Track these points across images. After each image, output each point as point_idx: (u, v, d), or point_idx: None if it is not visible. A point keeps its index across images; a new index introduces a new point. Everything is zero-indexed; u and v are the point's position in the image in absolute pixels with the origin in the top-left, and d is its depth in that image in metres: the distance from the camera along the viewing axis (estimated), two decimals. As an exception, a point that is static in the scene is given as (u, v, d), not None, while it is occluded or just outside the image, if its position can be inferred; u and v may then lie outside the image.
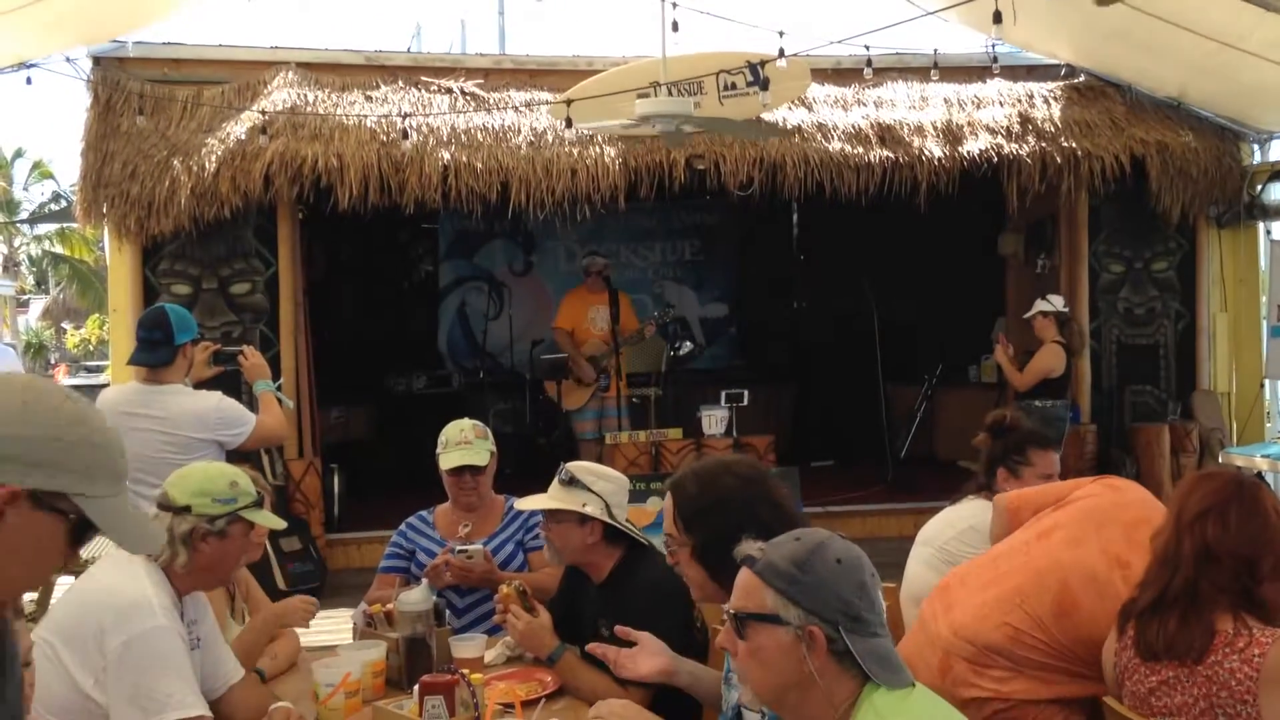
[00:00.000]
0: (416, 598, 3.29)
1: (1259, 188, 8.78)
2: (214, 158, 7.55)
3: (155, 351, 4.37)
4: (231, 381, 5.41)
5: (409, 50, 8.93)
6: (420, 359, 11.37)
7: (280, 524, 3.12)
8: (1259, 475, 6.76)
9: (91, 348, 32.07)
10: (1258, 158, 8.94)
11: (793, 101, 8.35)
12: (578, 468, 3.38)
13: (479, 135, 8.04)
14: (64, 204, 27.25)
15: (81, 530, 1.58)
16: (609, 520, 3.28)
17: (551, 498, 3.33)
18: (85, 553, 6.72)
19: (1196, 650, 2.47)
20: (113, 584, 2.74)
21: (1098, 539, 3.06)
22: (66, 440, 1.56)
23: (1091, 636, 2.91)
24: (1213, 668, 2.46)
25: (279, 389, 4.82)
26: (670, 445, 8.05)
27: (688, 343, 11.22)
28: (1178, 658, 2.50)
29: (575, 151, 7.98)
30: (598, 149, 8.00)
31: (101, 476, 1.58)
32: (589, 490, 3.29)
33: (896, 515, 8.45)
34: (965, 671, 3.03)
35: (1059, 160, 8.32)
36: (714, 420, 8.05)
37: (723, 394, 8.18)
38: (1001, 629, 3.01)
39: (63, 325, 34.70)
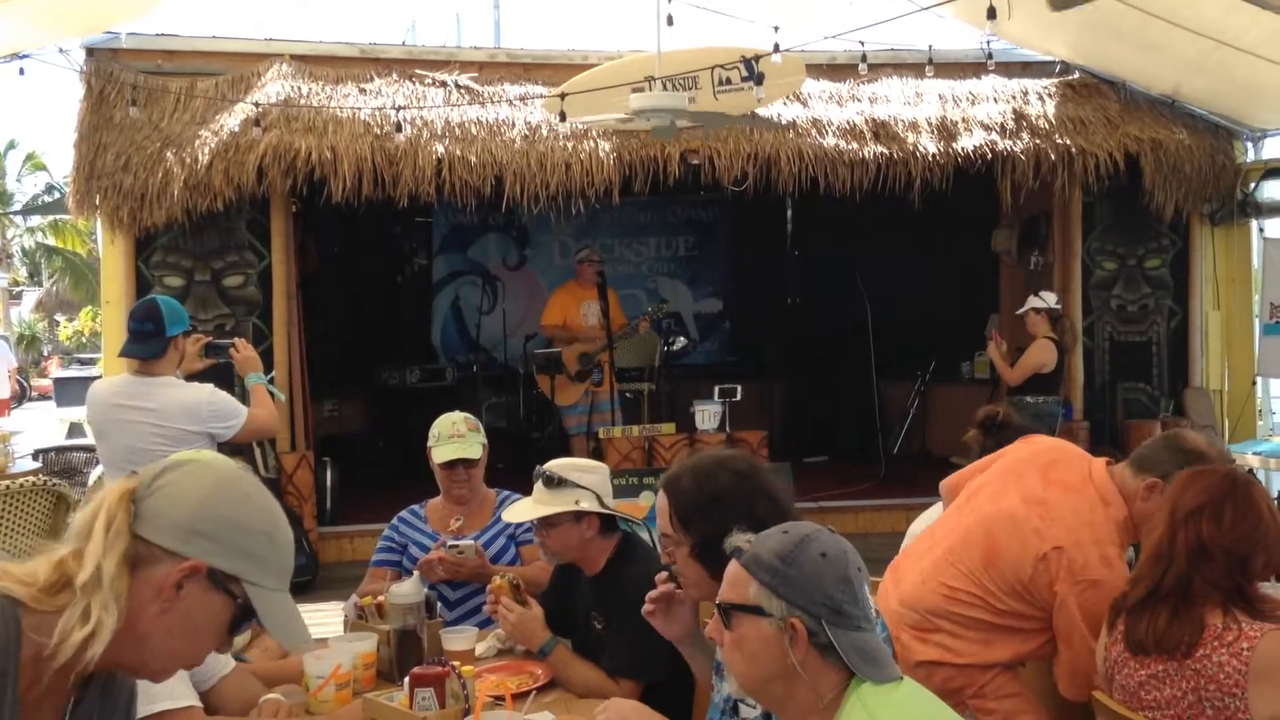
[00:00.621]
0: (408, 590, 3.29)
1: (1252, 185, 8.80)
2: (207, 150, 7.54)
3: (146, 343, 4.35)
4: (224, 374, 5.40)
5: (403, 43, 8.90)
6: (413, 353, 11.35)
7: None
8: (1250, 472, 6.77)
9: (84, 340, 32.08)
10: (1251, 155, 8.97)
11: (787, 97, 8.34)
12: (560, 467, 3.34)
13: (473, 129, 8.03)
14: (57, 195, 27.21)
15: (241, 618, 1.63)
16: (605, 510, 3.27)
17: (541, 503, 3.28)
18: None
19: (1186, 645, 2.49)
20: None
21: (1017, 487, 3.12)
22: (253, 530, 1.63)
23: (1019, 579, 2.97)
24: (1201, 661, 2.47)
25: (271, 382, 4.82)
26: (663, 440, 8.06)
27: (681, 338, 11.22)
28: (1167, 652, 2.52)
29: (569, 145, 7.98)
30: (592, 143, 7.99)
31: (274, 570, 1.65)
32: (578, 486, 3.27)
33: (889, 511, 8.47)
34: (911, 640, 3.09)
35: (1053, 157, 8.33)
36: (707, 415, 8.06)
37: (716, 389, 8.19)
38: (939, 590, 3.08)
39: (56, 317, 34.69)
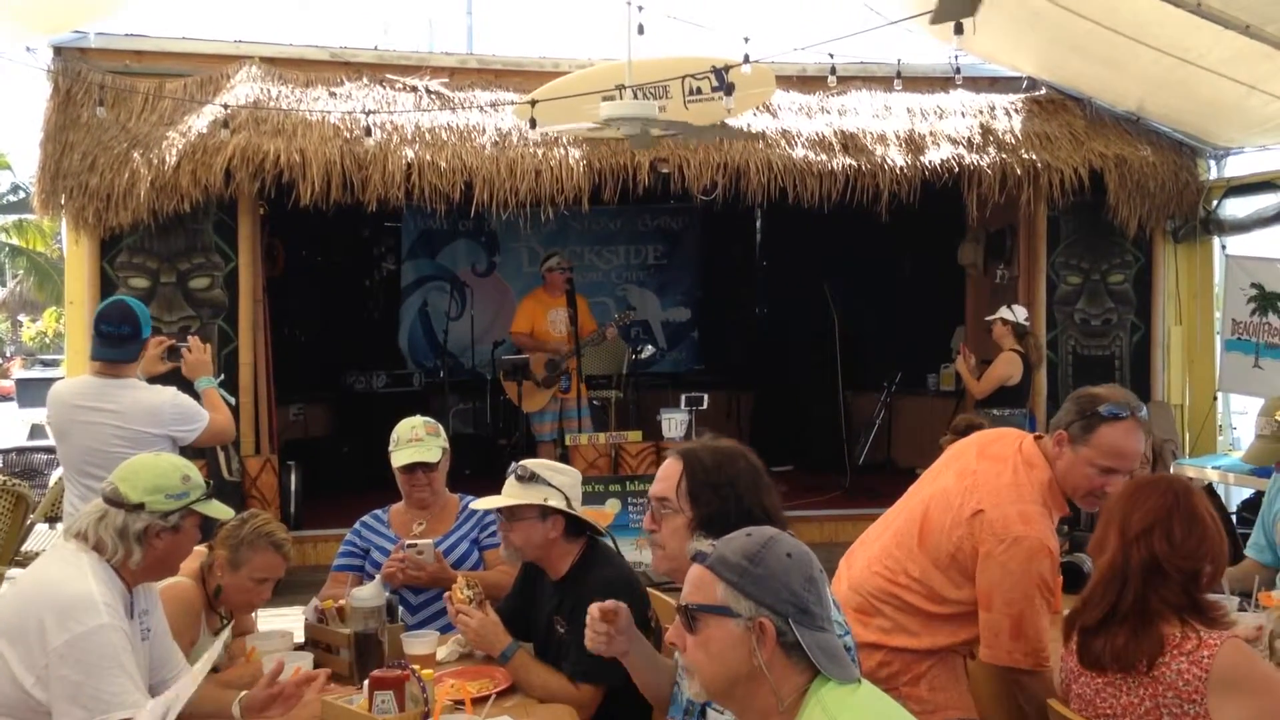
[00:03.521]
0: (369, 593, 3.29)
1: (1215, 203, 8.90)
2: (175, 151, 7.48)
3: (124, 346, 4.33)
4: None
5: (375, 48, 8.87)
6: (381, 357, 11.30)
7: (229, 513, 3.10)
8: (1209, 485, 6.86)
9: (48, 340, 31.75)
10: (1214, 173, 9.07)
11: (757, 108, 8.38)
12: (535, 464, 3.36)
13: (443, 134, 8.01)
14: (22, 195, 26.93)
15: None
16: (572, 511, 3.28)
17: (510, 495, 3.30)
18: (31, 545, 6.62)
19: (1146, 662, 2.50)
20: (55, 580, 2.70)
21: (955, 466, 3.22)
22: None
23: (946, 550, 3.03)
24: (1160, 669, 2.48)
25: (222, 385, 4.77)
26: (629, 448, 8.07)
27: (649, 346, 11.25)
28: (1126, 669, 2.53)
29: (539, 152, 7.97)
30: (562, 150, 7.99)
31: None
32: (549, 485, 3.28)
33: (853, 521, 8.48)
34: (853, 622, 3.11)
35: (1019, 171, 8.41)
36: (674, 423, 8.08)
37: (683, 397, 8.22)
38: (882, 573, 3.14)
39: (19, 318, 34.33)
